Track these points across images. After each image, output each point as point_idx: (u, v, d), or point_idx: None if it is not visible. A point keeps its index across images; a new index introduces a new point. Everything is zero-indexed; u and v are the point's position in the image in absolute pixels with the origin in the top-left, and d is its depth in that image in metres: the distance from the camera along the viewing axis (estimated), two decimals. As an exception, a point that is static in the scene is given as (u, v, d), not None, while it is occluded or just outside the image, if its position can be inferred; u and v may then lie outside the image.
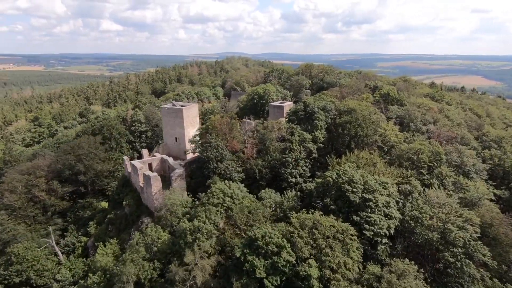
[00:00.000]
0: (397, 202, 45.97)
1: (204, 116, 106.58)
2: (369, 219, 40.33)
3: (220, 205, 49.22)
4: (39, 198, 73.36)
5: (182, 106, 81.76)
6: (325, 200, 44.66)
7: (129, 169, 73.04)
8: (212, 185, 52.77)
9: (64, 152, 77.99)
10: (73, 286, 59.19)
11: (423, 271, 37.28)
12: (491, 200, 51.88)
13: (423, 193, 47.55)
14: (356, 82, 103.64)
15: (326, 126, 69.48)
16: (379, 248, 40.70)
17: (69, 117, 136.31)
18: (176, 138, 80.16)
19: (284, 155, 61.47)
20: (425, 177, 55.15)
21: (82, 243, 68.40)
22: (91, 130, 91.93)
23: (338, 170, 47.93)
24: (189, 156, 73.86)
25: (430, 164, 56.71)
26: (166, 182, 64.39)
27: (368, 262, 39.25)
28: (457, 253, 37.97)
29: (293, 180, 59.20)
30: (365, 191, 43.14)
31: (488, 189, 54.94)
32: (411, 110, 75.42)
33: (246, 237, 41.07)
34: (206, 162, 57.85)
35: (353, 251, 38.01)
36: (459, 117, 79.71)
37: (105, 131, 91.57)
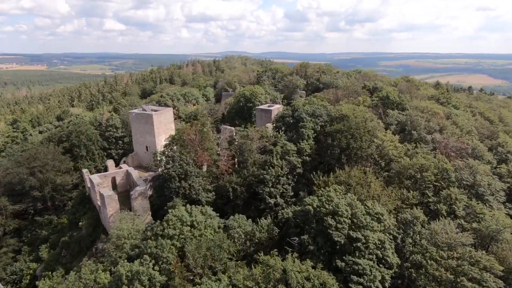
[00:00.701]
0: (395, 238, 36.49)
1: (187, 121, 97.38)
2: (357, 267, 30.74)
3: (177, 237, 40.06)
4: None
5: (154, 110, 72.49)
6: (302, 237, 35.15)
7: (89, 184, 63.97)
8: (169, 210, 43.51)
9: (16, 164, 68.77)
10: None
11: None
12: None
13: (428, 225, 37.95)
14: (353, 83, 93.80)
15: (315, 135, 59.86)
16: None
17: (47, 120, 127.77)
18: (146, 147, 70.86)
19: (262, 171, 51.98)
20: (430, 200, 45.51)
21: (32, 271, 59.12)
22: (58, 137, 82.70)
23: (321, 196, 38.43)
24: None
25: (436, 184, 47.00)
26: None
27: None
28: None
29: (272, 201, 49.67)
30: (353, 226, 33.60)
31: (507, 214, 45.19)
32: (413, 116, 65.57)
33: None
34: (167, 181, 48.44)
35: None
36: (468, 123, 69.62)
37: (73, 137, 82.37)
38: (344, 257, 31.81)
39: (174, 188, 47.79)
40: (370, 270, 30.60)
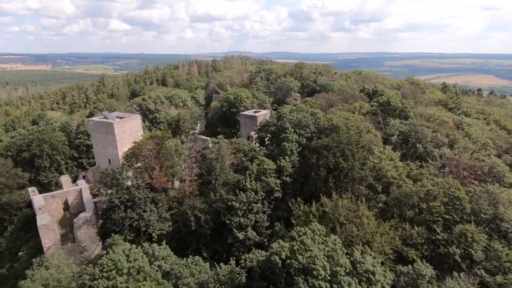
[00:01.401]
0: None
1: (170, 128, 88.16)
2: None
3: (109, 289, 30.68)
4: None
5: (120, 117, 63.25)
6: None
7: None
8: (105, 251, 34.11)
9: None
10: None
11: None
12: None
13: (437, 282, 28.16)
14: (350, 86, 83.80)
15: (300, 149, 50.16)
16: None
17: (21, 125, 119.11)
18: (109, 160, 61.53)
19: (232, 196, 42.36)
20: (439, 238, 35.71)
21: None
22: (16, 147, 73.71)
23: (293, 241, 28.79)
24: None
25: (446, 216, 37.15)
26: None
27: None
28: None
29: (241, 235, 40.02)
30: (332, 293, 23.92)
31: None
32: (418, 126, 55.57)
33: None
34: (110, 210, 38.94)
35: None
36: (483, 134, 59.36)
37: (34, 147, 73.24)
38: None
39: (117, 219, 38.24)
40: None
